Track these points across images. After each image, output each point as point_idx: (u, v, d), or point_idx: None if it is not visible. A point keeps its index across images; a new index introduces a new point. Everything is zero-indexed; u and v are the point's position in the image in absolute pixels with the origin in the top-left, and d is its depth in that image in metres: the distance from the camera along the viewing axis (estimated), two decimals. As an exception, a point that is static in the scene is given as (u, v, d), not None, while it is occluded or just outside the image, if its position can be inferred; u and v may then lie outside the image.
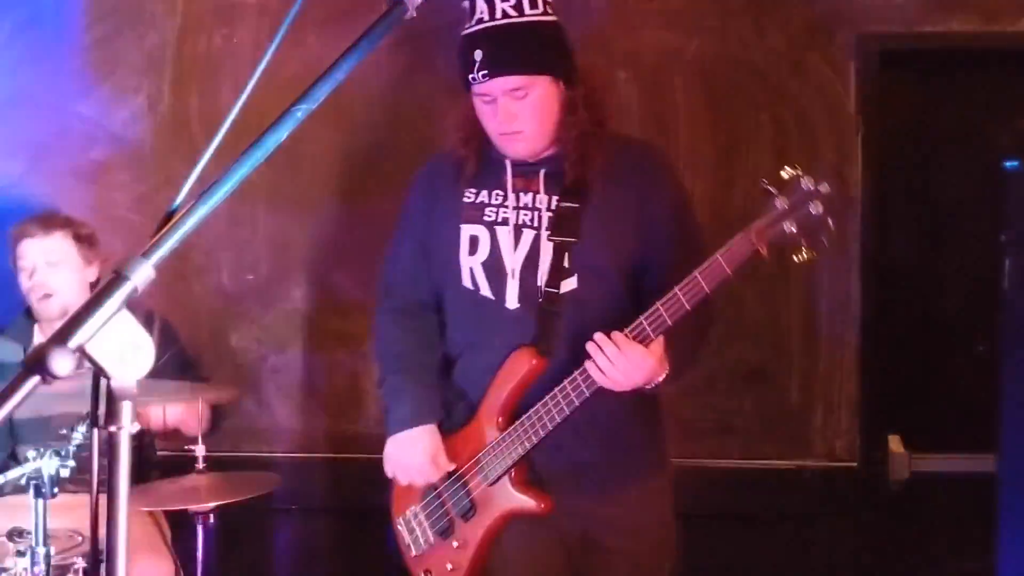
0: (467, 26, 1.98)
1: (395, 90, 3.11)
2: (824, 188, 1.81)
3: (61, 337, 0.80)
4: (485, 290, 2.02)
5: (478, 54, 1.94)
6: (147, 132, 3.16)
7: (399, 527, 2.17)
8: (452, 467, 2.06)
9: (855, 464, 2.99)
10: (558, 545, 2.05)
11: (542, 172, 2.03)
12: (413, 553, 2.14)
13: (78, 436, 1.87)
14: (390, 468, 2.13)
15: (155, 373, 2.47)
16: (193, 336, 3.04)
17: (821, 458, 3.01)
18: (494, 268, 2.02)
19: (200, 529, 2.36)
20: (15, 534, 2.04)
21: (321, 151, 3.12)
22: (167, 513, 2.70)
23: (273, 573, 3.19)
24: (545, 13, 1.97)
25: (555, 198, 2.01)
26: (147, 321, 2.80)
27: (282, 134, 0.98)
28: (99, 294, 0.84)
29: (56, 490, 1.82)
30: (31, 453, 1.78)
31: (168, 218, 0.92)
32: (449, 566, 2.08)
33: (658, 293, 1.88)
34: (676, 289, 1.84)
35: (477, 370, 2.05)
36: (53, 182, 3.13)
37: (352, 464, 3.11)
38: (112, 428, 0.83)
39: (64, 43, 3.14)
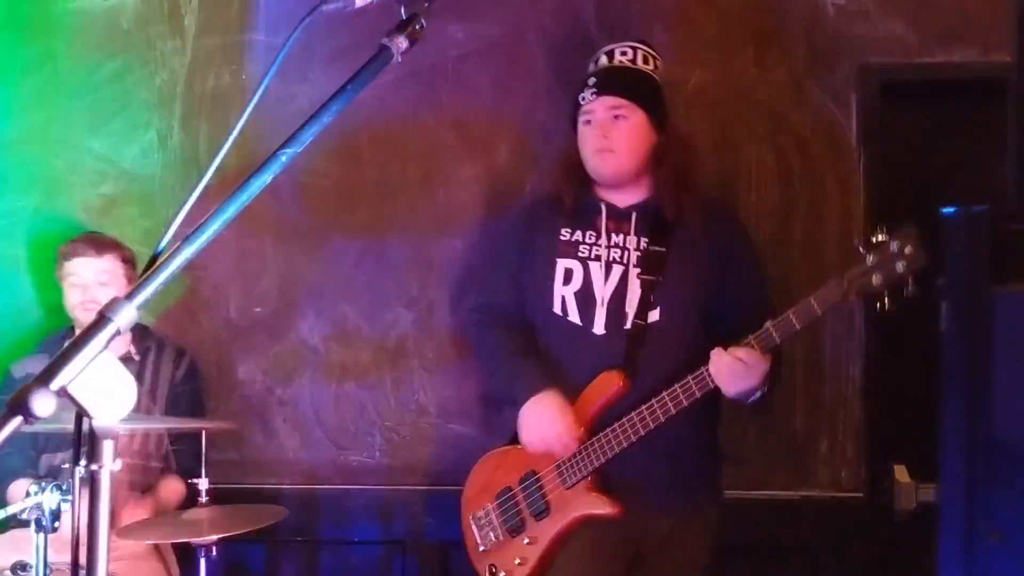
0: (587, 74, 2.38)
1: (401, 125, 3.15)
2: (909, 251, 2.02)
3: (44, 378, 0.82)
4: (574, 316, 2.30)
5: (591, 81, 2.34)
6: (157, 167, 3.20)
7: (470, 525, 2.41)
8: (581, 431, 2.25)
9: (860, 494, 2.97)
10: (617, 553, 2.26)
11: (633, 216, 2.34)
12: (481, 549, 2.38)
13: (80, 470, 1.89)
14: (527, 435, 2.30)
15: (172, 407, 2.52)
16: (203, 368, 3.08)
17: (826, 488, 3.00)
18: (585, 297, 2.30)
19: (203, 562, 2.38)
20: (18, 567, 2.07)
21: (328, 185, 3.16)
22: (175, 546, 2.72)
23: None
24: (654, 71, 2.40)
25: (644, 239, 2.32)
26: (178, 357, 2.87)
27: (267, 177, 1.00)
28: (82, 336, 0.86)
29: (57, 524, 1.84)
30: (32, 488, 1.81)
31: (153, 260, 0.94)
32: (517, 560, 2.30)
33: (734, 333, 2.15)
34: (768, 324, 2.12)
35: (567, 388, 2.29)
36: (65, 217, 3.18)
37: (360, 496, 3.13)
38: (94, 467, 0.85)
39: (76, 80, 3.20)
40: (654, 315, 2.27)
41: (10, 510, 1.87)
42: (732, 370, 2.10)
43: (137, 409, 2.62)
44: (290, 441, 3.17)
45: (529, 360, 2.37)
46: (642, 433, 2.19)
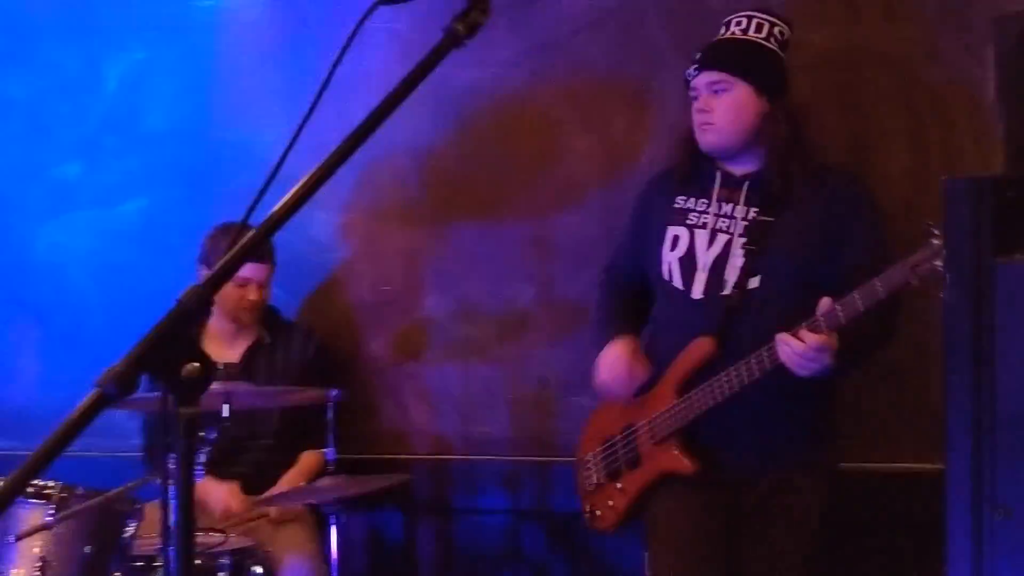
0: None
1: (517, 101, 3.19)
2: None
3: (129, 360, 0.90)
4: (677, 281, 2.38)
5: (697, 56, 2.37)
6: (291, 155, 3.35)
7: (579, 466, 2.57)
8: (649, 371, 2.39)
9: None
10: (713, 510, 2.34)
11: (745, 185, 2.36)
12: (586, 489, 2.55)
13: (209, 442, 2.04)
14: (597, 378, 2.46)
15: (304, 384, 2.67)
16: (336, 345, 3.24)
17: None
18: (687, 263, 2.37)
19: (334, 528, 2.51)
20: (166, 531, 2.24)
21: (448, 164, 3.24)
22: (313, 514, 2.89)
23: (408, 572, 3.32)
24: (767, 39, 2.37)
25: (752, 209, 2.34)
26: (307, 338, 3.04)
27: (336, 167, 1.05)
28: (163, 320, 0.94)
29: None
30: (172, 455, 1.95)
31: (230, 246, 1.01)
32: (610, 503, 2.48)
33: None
34: (835, 304, 2.13)
35: (664, 346, 2.42)
36: (208, 205, 3.38)
37: (487, 466, 3.22)
38: (176, 440, 0.93)
39: (213, 74, 3.38)
40: (753, 283, 2.30)
41: (139, 483, 2.03)
42: (797, 357, 2.14)
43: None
44: (419, 414, 3.28)
45: (617, 313, 2.51)
46: (719, 400, 2.27)
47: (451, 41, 1.08)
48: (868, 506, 2.84)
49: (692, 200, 2.42)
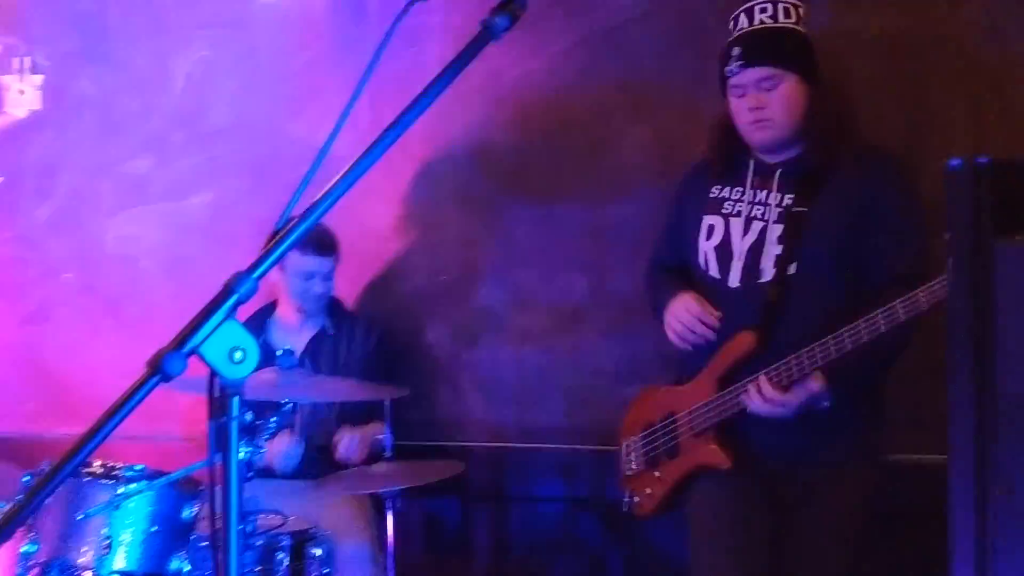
0: (729, 38, 2.35)
1: (571, 92, 3.20)
2: None
3: (178, 343, 0.95)
4: (714, 271, 2.36)
5: (735, 51, 2.31)
6: (349, 148, 3.42)
7: (621, 451, 2.59)
8: (717, 314, 2.36)
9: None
10: (754, 502, 2.32)
11: (779, 172, 2.33)
12: (626, 474, 2.57)
13: (271, 425, 2.11)
14: (671, 329, 2.44)
15: (366, 375, 2.74)
16: (394, 334, 3.29)
17: None
18: (723, 252, 2.35)
19: (390, 513, 2.57)
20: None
21: (503, 155, 3.27)
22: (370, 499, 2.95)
23: (463, 558, 3.37)
24: (797, 23, 2.32)
25: (788, 196, 2.31)
26: (369, 328, 3.11)
27: (375, 158, 1.09)
28: (211, 305, 0.99)
29: (251, 475, 2.06)
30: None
31: (274, 235, 1.05)
32: (648, 491, 2.50)
33: (879, 292, 2.15)
34: (861, 322, 2.11)
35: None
36: (271, 198, 3.47)
37: (543, 455, 3.25)
38: (223, 420, 0.98)
39: (275, 70, 3.47)
40: (790, 270, 2.28)
41: (201, 464, 2.10)
42: (766, 410, 2.19)
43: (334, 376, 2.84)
44: (476, 402, 3.33)
45: (672, 280, 2.51)
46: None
47: (488, 35, 1.10)
48: (917, 497, 2.79)
49: (727, 189, 2.40)
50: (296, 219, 1.06)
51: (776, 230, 2.29)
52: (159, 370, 0.93)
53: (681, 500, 2.46)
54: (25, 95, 3.66)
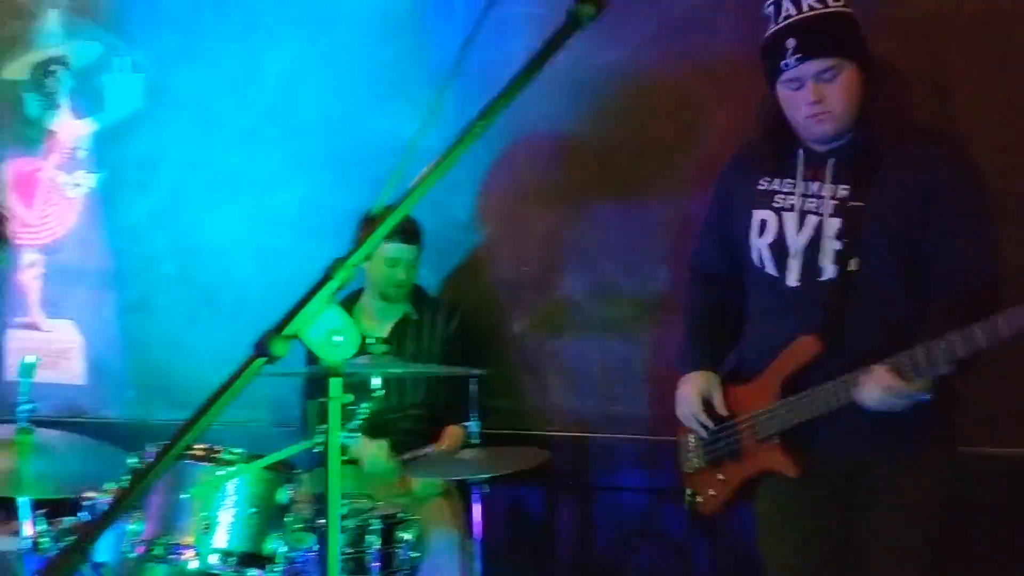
0: (774, 25, 2.23)
1: (655, 81, 3.19)
2: None
3: (280, 326, 1.00)
4: (770, 268, 2.26)
5: (790, 42, 2.17)
6: (434, 141, 3.46)
7: (680, 445, 2.51)
8: (726, 413, 2.36)
9: None
10: (819, 499, 2.25)
11: (830, 162, 2.22)
12: (685, 470, 2.50)
13: (363, 411, 2.16)
14: (677, 405, 2.45)
15: (447, 361, 2.80)
16: (477, 323, 3.34)
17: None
18: (778, 249, 2.25)
19: (478, 500, 2.61)
20: (321, 497, 2.39)
21: (586, 145, 3.27)
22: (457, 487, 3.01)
23: (547, 546, 3.40)
24: (845, 5, 2.20)
25: (841, 187, 2.20)
26: (450, 315, 3.17)
27: (464, 148, 1.11)
28: (311, 292, 1.03)
29: (345, 458, 2.12)
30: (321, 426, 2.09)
31: (368, 225, 1.09)
32: (711, 492, 2.43)
33: (942, 286, 2.10)
34: (919, 347, 2.01)
35: (762, 337, 2.32)
36: (358, 190, 3.54)
37: (627, 444, 3.25)
38: (322, 400, 1.02)
39: (360, 65, 3.54)
40: (851, 266, 2.17)
41: (300, 447, 2.17)
42: (878, 400, 2.06)
43: (416, 362, 2.91)
44: (560, 391, 3.35)
45: (701, 336, 2.45)
46: (833, 408, 2.15)
47: (574, 24, 1.12)
48: (993, 491, 2.71)
49: (776, 181, 2.29)
50: (389, 208, 1.10)
51: (833, 224, 2.18)
52: (264, 352, 0.97)
53: (746, 499, 2.39)
54: (126, 93, 3.80)
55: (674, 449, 2.55)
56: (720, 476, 2.40)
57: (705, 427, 2.40)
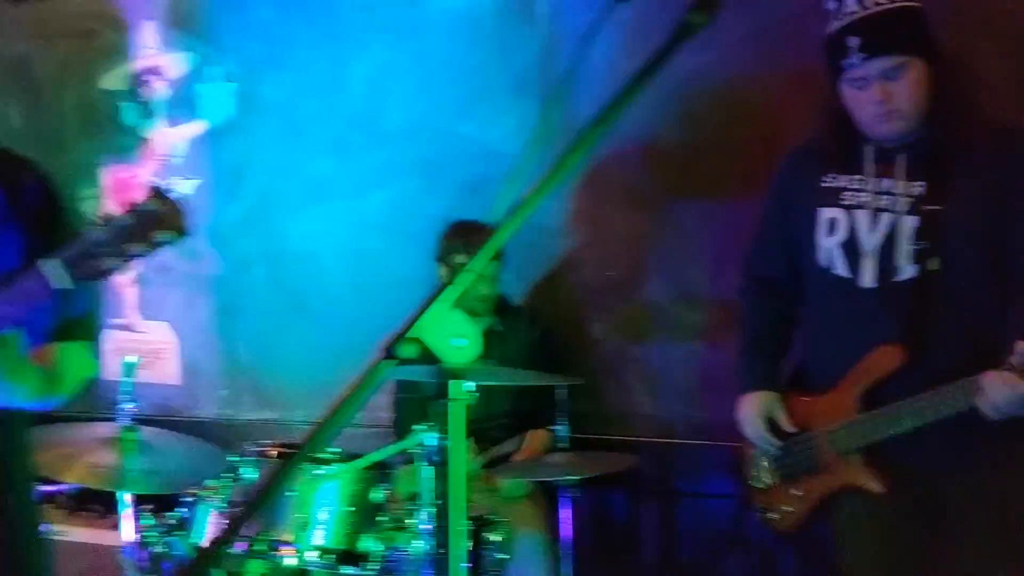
0: (836, 21, 2.14)
1: (743, 85, 3.17)
2: None
3: (404, 330, 1.03)
4: (841, 269, 2.16)
5: (853, 41, 2.08)
6: (519, 147, 3.51)
7: (747, 460, 2.42)
8: (792, 430, 2.26)
9: None
10: (903, 511, 2.15)
11: (901, 158, 2.13)
12: (755, 486, 2.40)
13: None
14: (742, 425, 2.37)
15: (531, 367, 2.82)
16: (561, 329, 3.35)
17: None
18: (850, 249, 2.15)
19: (567, 503, 2.62)
20: (413, 496, 2.43)
21: (671, 149, 3.27)
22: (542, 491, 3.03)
23: (632, 552, 3.39)
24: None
25: (915, 184, 2.11)
26: (532, 322, 3.20)
27: (582, 155, 1.13)
28: (433, 296, 1.06)
29: (439, 459, 2.15)
30: (417, 427, 2.13)
31: (491, 230, 1.11)
32: (787, 508, 2.32)
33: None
34: None
35: (832, 344, 2.21)
36: (445, 195, 3.59)
37: (712, 451, 3.22)
38: (446, 402, 1.04)
39: (446, 73, 3.58)
40: (932, 265, 2.08)
41: (397, 448, 2.21)
42: (1005, 405, 1.94)
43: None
44: (643, 397, 3.34)
45: (761, 351, 2.36)
46: (923, 423, 2.04)
47: (686, 31, 1.13)
48: None
49: (843, 177, 2.18)
50: (506, 216, 1.12)
51: (909, 222, 2.08)
52: (391, 355, 1.00)
53: (824, 514, 2.28)
54: (218, 102, 3.92)
55: (739, 464, 2.47)
56: (796, 492, 2.30)
57: (781, 437, 2.31)
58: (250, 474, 2.36)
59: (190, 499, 2.47)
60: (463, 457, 1.06)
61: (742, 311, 2.47)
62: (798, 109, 3.07)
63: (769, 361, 2.36)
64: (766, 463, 2.36)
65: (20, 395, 1.57)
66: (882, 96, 2.07)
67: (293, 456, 1.01)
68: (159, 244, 1.39)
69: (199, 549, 2.13)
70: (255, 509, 1.03)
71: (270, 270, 3.86)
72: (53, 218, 1.65)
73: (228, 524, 1.68)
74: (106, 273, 1.40)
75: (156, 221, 1.36)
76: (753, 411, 2.32)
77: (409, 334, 1.02)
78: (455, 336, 1.05)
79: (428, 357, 1.05)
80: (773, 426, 2.30)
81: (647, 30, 3.20)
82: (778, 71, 3.11)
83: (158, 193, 1.39)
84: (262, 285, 3.86)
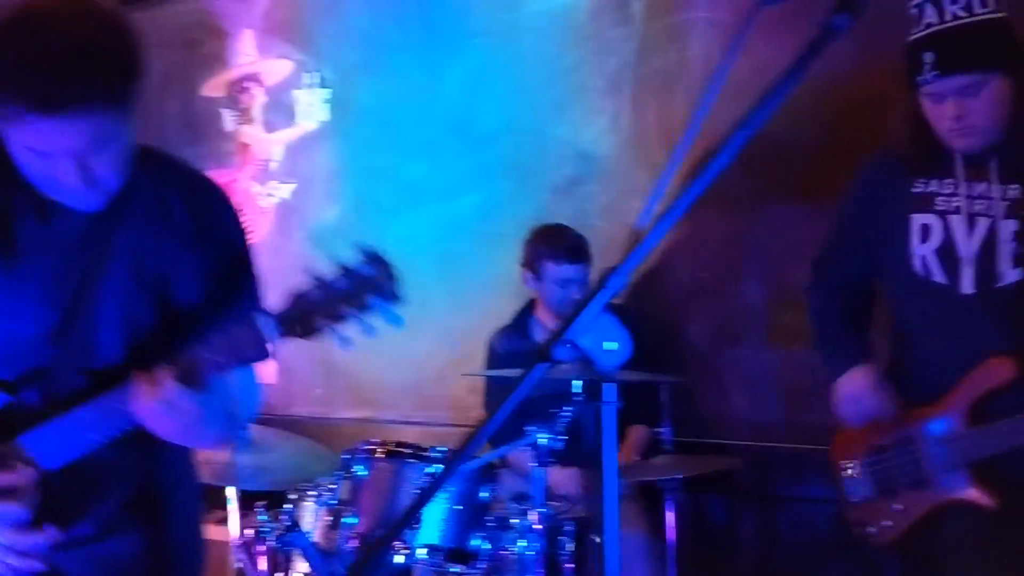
0: (915, 32, 2.13)
1: (846, 82, 3.12)
2: None
3: (559, 332, 1.04)
4: (938, 276, 2.11)
5: (928, 56, 2.07)
6: (611, 148, 3.51)
7: (842, 472, 2.33)
8: (897, 407, 2.19)
9: None
10: (1014, 522, 2.07)
11: (993, 161, 2.09)
12: (851, 500, 2.32)
13: (566, 415, 2.21)
14: (842, 409, 2.29)
15: (626, 364, 2.82)
16: (656, 330, 3.34)
17: None
18: (947, 255, 2.11)
19: (671, 507, 2.62)
20: (519, 497, 2.45)
21: (770, 148, 3.23)
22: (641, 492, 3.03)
23: (730, 555, 3.36)
24: (994, 10, 2.04)
25: (1011, 187, 2.07)
26: (623, 320, 3.17)
27: (728, 157, 1.13)
28: (585, 299, 1.07)
29: (552, 460, 2.17)
30: (530, 428, 2.15)
31: (637, 234, 1.12)
32: (886, 523, 2.24)
33: None
34: None
35: (932, 353, 2.16)
36: (536, 197, 3.61)
37: (813, 455, 3.17)
38: (597, 404, 1.06)
39: (541, 75, 3.60)
40: None
41: (506, 449, 2.24)
42: None
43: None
44: (740, 400, 3.31)
45: (846, 328, 2.29)
46: None
47: (828, 35, 1.12)
48: None
49: (934, 182, 2.15)
50: (654, 220, 1.13)
51: (1008, 226, 2.04)
52: (547, 357, 1.02)
53: (928, 531, 2.20)
54: (315, 107, 4.00)
55: (831, 474, 2.39)
56: (897, 506, 2.22)
57: (879, 448, 2.25)
58: (361, 471, 2.40)
59: (298, 496, 2.53)
60: (615, 459, 1.06)
61: (812, 305, 2.43)
62: (896, 106, 3.02)
63: (860, 339, 2.31)
64: (862, 475, 2.28)
65: (212, 439, 1.56)
66: (958, 112, 2.04)
67: (450, 459, 1.03)
68: (371, 308, 1.37)
69: (366, 550, 2.17)
70: (415, 513, 1.05)
71: (365, 272, 3.91)
72: (239, 249, 1.62)
73: (390, 528, 1.71)
74: (316, 334, 1.37)
75: (370, 285, 1.33)
76: (861, 385, 2.23)
77: (563, 336, 1.03)
78: (607, 339, 1.06)
79: (581, 360, 1.07)
80: (884, 405, 2.22)
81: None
82: (880, 67, 3.04)
83: (373, 256, 1.37)
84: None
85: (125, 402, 1.42)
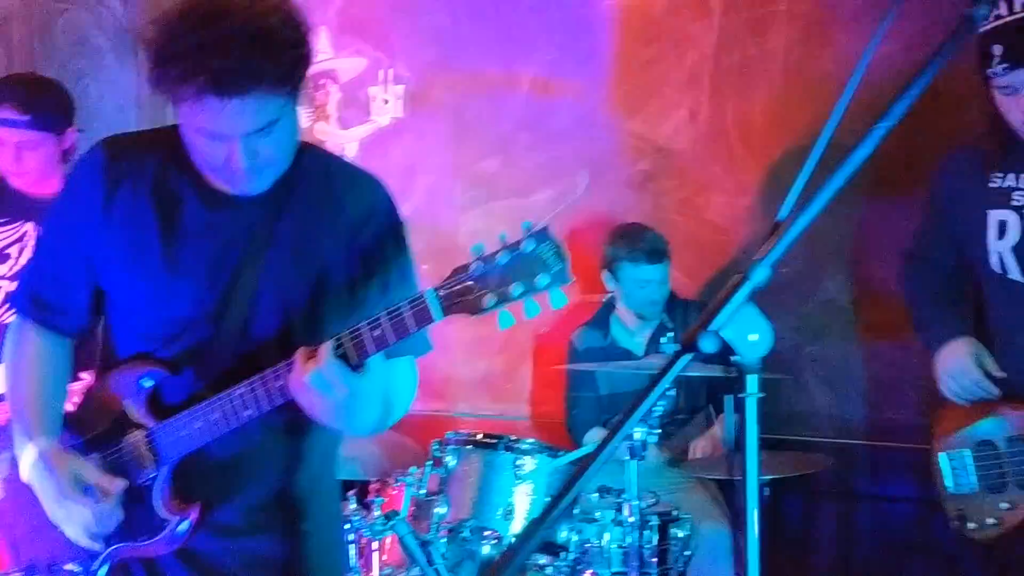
0: (985, 24, 2.05)
1: (941, 74, 3.07)
2: None
3: (703, 324, 1.05)
4: (1015, 274, 2.10)
5: (996, 49, 2.03)
6: (689, 142, 3.49)
7: (940, 462, 2.28)
8: (1002, 375, 2.14)
9: None
10: None
11: None
12: (951, 491, 2.27)
13: (659, 408, 2.21)
14: (943, 384, 2.26)
15: (702, 361, 2.80)
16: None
17: None
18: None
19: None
20: (603, 490, 2.46)
21: (849, 142, 3.19)
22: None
23: (806, 553, 3.33)
24: None
25: None
26: (695, 312, 3.17)
27: (867, 150, 1.12)
28: (728, 291, 1.08)
29: (645, 453, 2.17)
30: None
31: (776, 227, 1.12)
32: (991, 520, 2.19)
33: None
34: None
35: (1018, 350, 2.13)
36: (611, 192, 3.61)
37: (895, 453, 3.14)
38: (741, 395, 1.06)
39: (618, 69, 3.59)
40: None
41: (601, 444, 2.24)
42: None
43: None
44: (822, 396, 3.28)
45: (941, 305, 2.26)
46: None
47: (970, 26, 1.11)
48: None
49: (1011, 177, 2.13)
50: (792, 214, 1.12)
51: None
52: (691, 347, 1.03)
53: None
54: (389, 104, 4.03)
55: (929, 461, 2.35)
56: (1004, 504, 2.19)
57: (987, 443, 2.21)
58: (452, 462, 2.43)
59: (384, 486, 2.56)
60: (756, 453, 1.06)
61: (906, 290, 2.43)
62: (983, 101, 2.96)
63: (958, 311, 2.28)
64: (967, 465, 2.24)
65: (363, 424, 1.54)
66: None
67: (590, 459, 1.05)
68: (539, 288, 1.32)
69: (508, 548, 2.19)
70: (552, 514, 1.06)
71: (437, 268, 3.92)
72: (398, 237, 1.64)
73: (528, 526, 1.71)
74: (481, 311, 1.35)
75: (539, 263, 1.31)
76: (962, 357, 2.20)
77: (709, 327, 1.03)
78: (750, 330, 1.06)
79: (724, 350, 1.07)
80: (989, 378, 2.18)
81: (824, 18, 3.16)
82: (962, 62, 3.00)
83: (542, 235, 1.34)
84: (429, 282, 3.94)
85: (284, 377, 1.43)
